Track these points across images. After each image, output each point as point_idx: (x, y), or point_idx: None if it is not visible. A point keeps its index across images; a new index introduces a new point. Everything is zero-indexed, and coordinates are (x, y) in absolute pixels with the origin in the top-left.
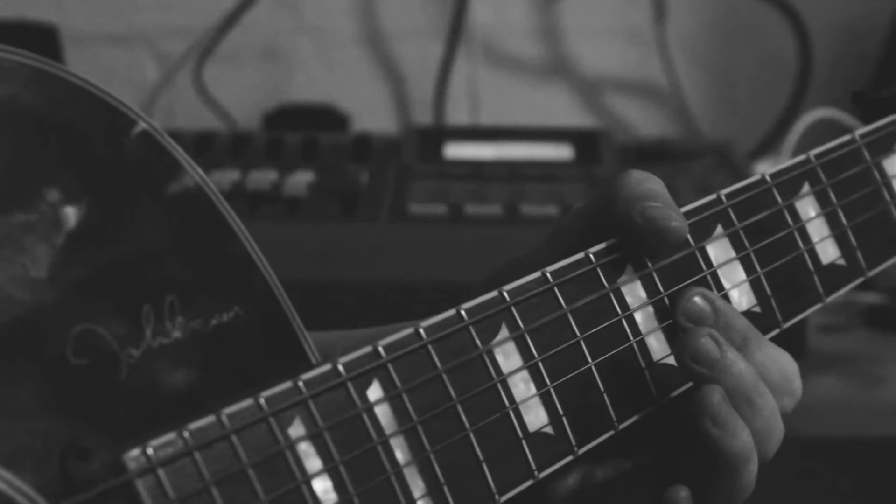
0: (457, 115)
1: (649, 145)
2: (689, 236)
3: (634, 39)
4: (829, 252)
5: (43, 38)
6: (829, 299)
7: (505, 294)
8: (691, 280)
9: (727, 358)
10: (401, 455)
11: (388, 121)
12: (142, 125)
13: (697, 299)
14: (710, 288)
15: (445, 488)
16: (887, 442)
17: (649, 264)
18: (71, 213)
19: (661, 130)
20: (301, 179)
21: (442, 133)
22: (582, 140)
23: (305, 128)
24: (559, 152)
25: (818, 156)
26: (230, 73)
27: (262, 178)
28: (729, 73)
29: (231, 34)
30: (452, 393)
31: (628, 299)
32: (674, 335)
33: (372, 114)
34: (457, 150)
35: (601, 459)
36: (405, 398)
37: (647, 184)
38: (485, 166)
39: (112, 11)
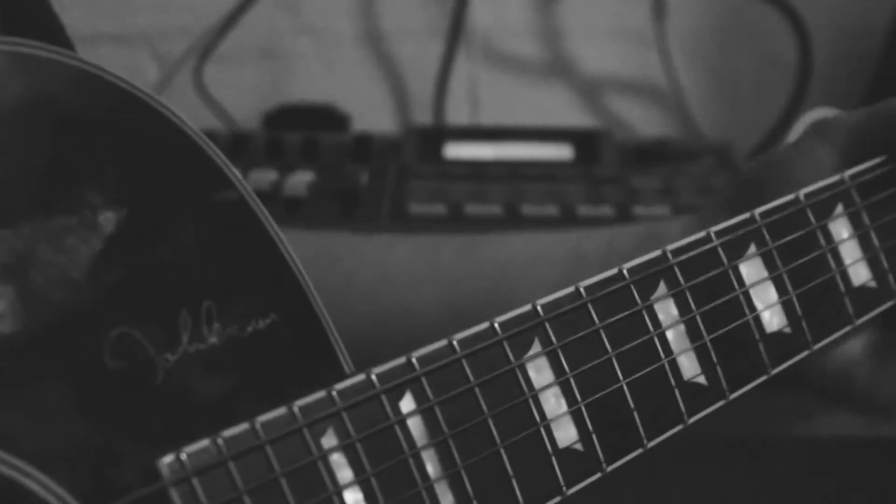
0: (457, 115)
1: (649, 145)
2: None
3: (634, 39)
4: (860, 274)
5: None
6: (860, 321)
7: (539, 308)
8: (724, 299)
9: None
10: (431, 468)
11: (388, 121)
12: (185, 129)
13: None
14: (740, 308)
15: (475, 502)
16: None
17: (682, 282)
18: (111, 217)
19: (661, 130)
20: (301, 179)
21: (442, 133)
22: (582, 140)
23: (305, 128)
24: (559, 152)
25: (853, 177)
26: (230, 73)
27: (262, 178)
28: (729, 73)
29: (231, 34)
30: (484, 407)
31: (661, 317)
32: (705, 355)
33: (372, 114)
34: (457, 150)
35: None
36: (437, 411)
37: None
38: (485, 166)
39: (112, 11)
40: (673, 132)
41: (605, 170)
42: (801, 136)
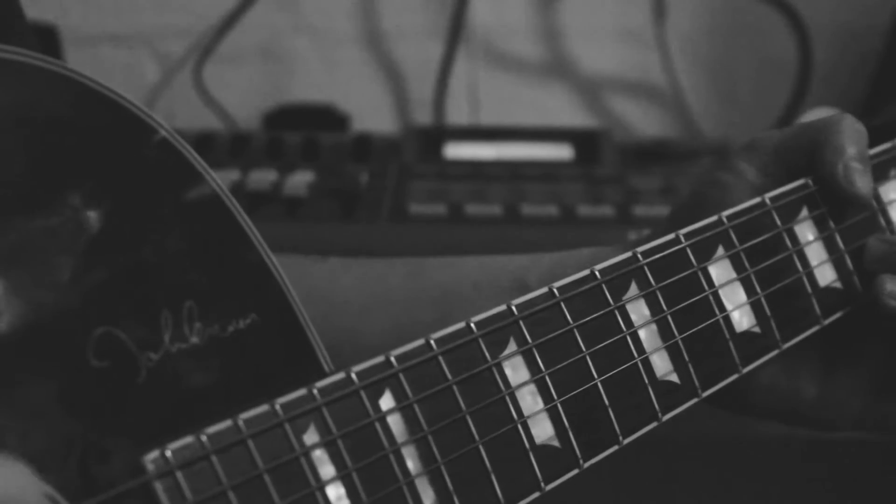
0: (457, 115)
1: (649, 145)
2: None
3: (634, 39)
4: (826, 275)
5: (43, 38)
6: (827, 321)
7: (513, 308)
8: (694, 300)
9: None
10: (412, 464)
11: (388, 121)
12: (162, 133)
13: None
14: (711, 308)
15: (455, 498)
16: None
17: (653, 282)
18: (92, 218)
19: (661, 130)
20: (301, 179)
21: (442, 133)
22: (582, 140)
23: (305, 128)
24: (559, 152)
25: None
26: (230, 73)
27: (262, 178)
28: (729, 73)
29: (231, 34)
30: (462, 404)
31: (633, 317)
32: (677, 354)
33: (372, 114)
34: (457, 150)
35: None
36: (416, 408)
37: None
38: (485, 166)
39: (112, 11)
40: (673, 132)
41: (605, 170)
42: (731, 154)
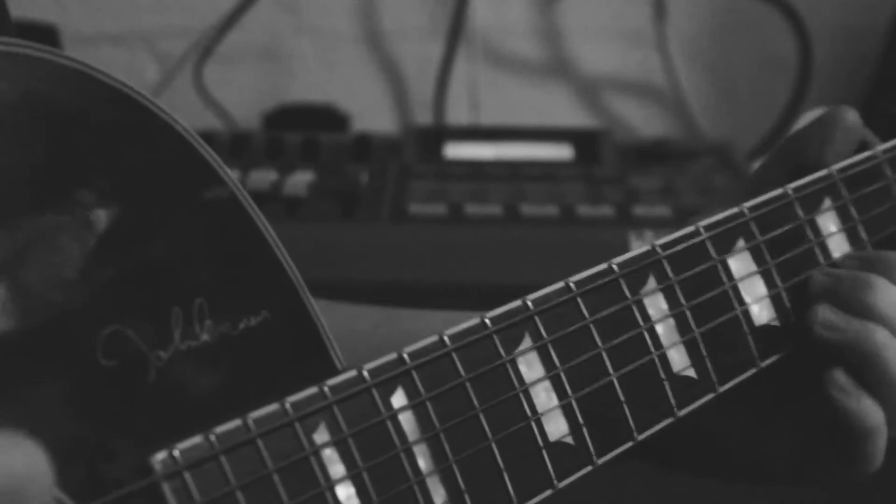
0: (457, 115)
1: (649, 145)
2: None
3: (634, 39)
4: None
5: (43, 39)
6: None
7: (529, 303)
8: (713, 293)
9: None
10: (423, 462)
11: (388, 121)
12: (176, 128)
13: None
14: (730, 302)
15: (466, 496)
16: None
17: (671, 276)
18: (102, 215)
19: (661, 130)
20: (301, 179)
21: (442, 133)
22: (582, 140)
23: (305, 128)
24: (559, 152)
25: (840, 170)
26: (230, 73)
27: (262, 178)
28: (729, 73)
29: (231, 34)
30: (475, 401)
31: (650, 311)
32: (694, 348)
33: (372, 114)
34: (457, 150)
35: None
36: (429, 406)
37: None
38: (485, 166)
39: (112, 11)
40: (673, 132)
41: (605, 170)
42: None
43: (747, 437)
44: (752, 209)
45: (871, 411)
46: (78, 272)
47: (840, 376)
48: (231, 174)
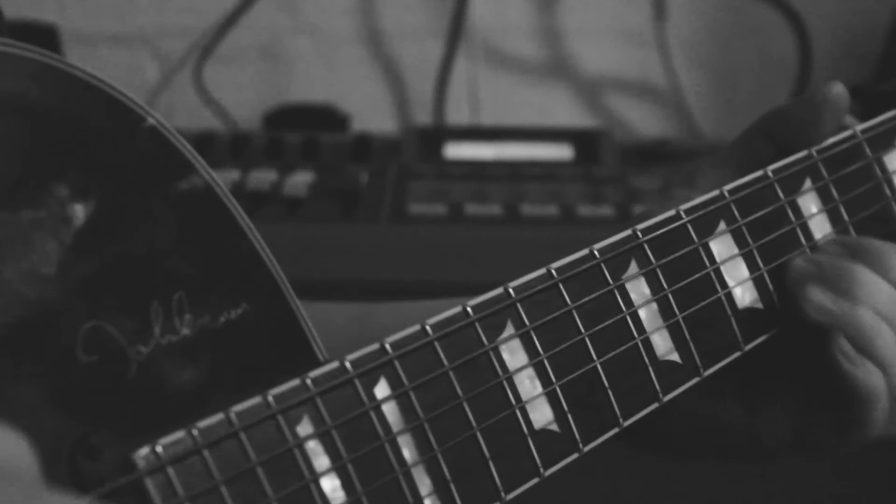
0: (457, 115)
1: (649, 145)
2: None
3: (634, 39)
4: None
5: (43, 38)
6: None
7: (510, 290)
8: (695, 277)
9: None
10: (408, 453)
11: (388, 121)
12: (150, 121)
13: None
14: (712, 285)
15: (452, 486)
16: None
17: (653, 260)
18: (79, 210)
19: (661, 130)
20: (301, 179)
21: (442, 133)
22: (582, 140)
23: (305, 128)
24: (559, 152)
25: (820, 151)
26: (230, 73)
27: (262, 178)
28: (729, 73)
29: (231, 34)
30: (459, 390)
31: (633, 296)
32: (678, 332)
33: (372, 114)
34: (457, 150)
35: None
36: (412, 396)
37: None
38: (485, 166)
39: (112, 11)
40: (673, 132)
41: (605, 170)
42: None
43: (744, 414)
44: (732, 192)
45: (874, 374)
46: (56, 268)
47: (845, 343)
48: (206, 166)
